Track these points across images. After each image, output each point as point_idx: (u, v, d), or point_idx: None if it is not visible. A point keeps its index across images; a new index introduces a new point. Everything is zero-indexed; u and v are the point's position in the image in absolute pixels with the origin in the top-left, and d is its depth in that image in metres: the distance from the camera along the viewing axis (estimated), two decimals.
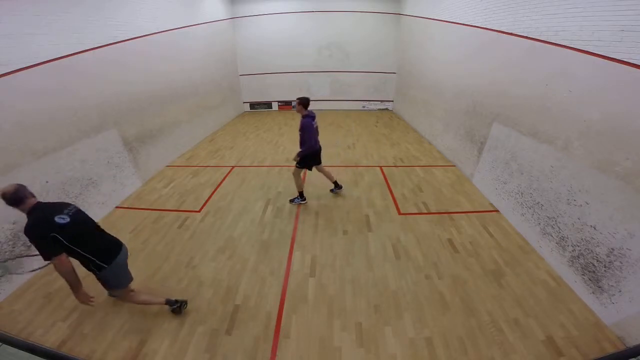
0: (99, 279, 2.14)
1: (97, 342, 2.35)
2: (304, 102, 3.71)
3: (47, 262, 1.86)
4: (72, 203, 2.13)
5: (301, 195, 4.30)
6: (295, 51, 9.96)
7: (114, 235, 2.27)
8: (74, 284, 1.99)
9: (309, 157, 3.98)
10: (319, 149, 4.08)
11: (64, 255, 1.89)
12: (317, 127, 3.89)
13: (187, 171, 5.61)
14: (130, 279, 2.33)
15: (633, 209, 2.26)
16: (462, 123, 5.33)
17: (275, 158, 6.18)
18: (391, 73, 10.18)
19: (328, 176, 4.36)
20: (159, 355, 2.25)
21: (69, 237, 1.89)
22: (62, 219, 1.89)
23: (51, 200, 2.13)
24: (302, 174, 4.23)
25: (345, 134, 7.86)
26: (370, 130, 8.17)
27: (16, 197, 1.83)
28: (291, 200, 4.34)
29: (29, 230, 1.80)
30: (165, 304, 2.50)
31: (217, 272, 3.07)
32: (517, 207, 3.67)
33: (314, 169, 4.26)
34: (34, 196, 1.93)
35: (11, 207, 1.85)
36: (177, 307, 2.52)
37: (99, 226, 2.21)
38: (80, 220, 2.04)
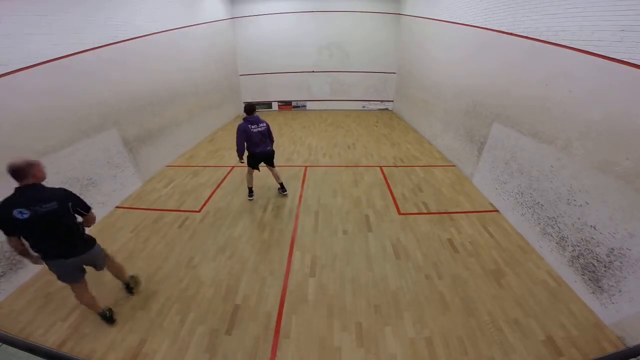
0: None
1: (97, 342, 2.35)
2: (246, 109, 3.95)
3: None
4: (65, 196, 2.03)
5: (250, 191, 4.54)
6: (295, 51, 9.95)
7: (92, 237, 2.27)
8: (25, 256, 2.04)
9: (250, 157, 4.18)
10: (261, 153, 4.18)
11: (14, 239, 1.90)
12: (260, 131, 3.99)
13: (187, 171, 5.61)
14: (74, 280, 2.21)
15: (633, 209, 2.26)
16: (462, 123, 5.33)
17: (275, 158, 6.15)
18: (391, 73, 10.17)
19: (275, 177, 4.59)
20: (159, 355, 2.25)
21: (21, 230, 1.86)
22: (21, 213, 1.79)
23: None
24: (252, 173, 4.44)
25: (345, 134, 7.86)
26: (370, 130, 8.17)
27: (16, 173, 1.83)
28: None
29: None
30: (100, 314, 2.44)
31: (217, 272, 3.07)
32: (517, 207, 3.67)
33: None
34: (35, 177, 1.92)
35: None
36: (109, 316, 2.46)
37: (68, 232, 2.05)
38: (43, 221, 1.87)
